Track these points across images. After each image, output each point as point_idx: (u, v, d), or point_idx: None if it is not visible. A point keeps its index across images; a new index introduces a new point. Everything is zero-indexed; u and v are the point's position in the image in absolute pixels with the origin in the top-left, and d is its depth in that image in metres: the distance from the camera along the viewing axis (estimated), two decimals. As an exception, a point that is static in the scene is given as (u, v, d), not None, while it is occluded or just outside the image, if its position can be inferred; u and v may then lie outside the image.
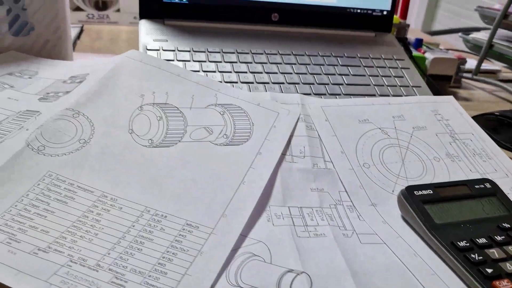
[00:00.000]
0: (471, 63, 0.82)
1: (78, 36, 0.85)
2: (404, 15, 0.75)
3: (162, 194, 0.35)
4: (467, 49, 0.97)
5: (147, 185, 0.36)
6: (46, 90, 0.47)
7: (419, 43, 0.75)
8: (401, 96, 0.53)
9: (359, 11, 0.61)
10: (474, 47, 0.86)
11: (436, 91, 0.60)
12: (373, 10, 0.62)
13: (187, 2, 0.57)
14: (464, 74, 0.77)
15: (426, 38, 1.06)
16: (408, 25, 0.77)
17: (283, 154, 0.41)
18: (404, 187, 0.38)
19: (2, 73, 0.50)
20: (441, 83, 0.70)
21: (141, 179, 0.36)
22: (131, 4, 0.99)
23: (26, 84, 0.48)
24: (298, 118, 0.45)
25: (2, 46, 0.55)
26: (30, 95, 0.46)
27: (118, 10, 0.99)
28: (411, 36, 0.79)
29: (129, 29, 0.97)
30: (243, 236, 0.33)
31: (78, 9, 0.94)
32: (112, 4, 0.98)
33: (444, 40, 1.15)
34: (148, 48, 0.51)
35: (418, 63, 0.65)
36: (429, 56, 0.69)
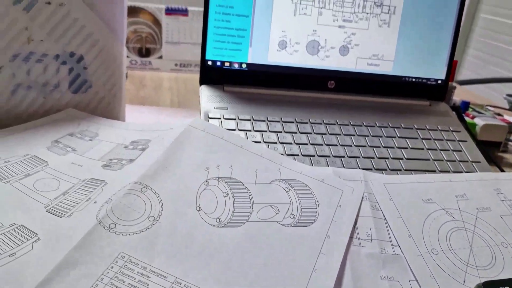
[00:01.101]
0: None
1: (123, 84, 0.87)
2: (451, 77, 0.75)
3: (236, 282, 0.34)
4: (507, 106, 0.96)
5: (220, 271, 0.35)
6: (108, 156, 0.47)
7: (466, 106, 0.75)
8: (461, 172, 0.52)
9: (414, 79, 0.62)
10: (519, 109, 0.85)
11: (489, 158, 0.59)
12: (428, 79, 0.62)
13: (246, 69, 0.58)
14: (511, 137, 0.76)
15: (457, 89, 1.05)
16: (455, 87, 0.76)
17: (350, 237, 0.40)
18: (475, 277, 0.37)
19: (63, 133, 0.51)
20: (490, 149, 0.69)
21: (213, 264, 0.35)
22: (173, 52, 1.01)
23: (88, 147, 0.49)
24: (362, 197, 0.44)
25: (60, 103, 0.56)
26: (93, 160, 0.46)
27: (160, 57, 1.01)
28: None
29: (170, 76, 0.98)
30: (320, 333, 0.32)
31: (122, 55, 0.96)
32: (155, 51, 1.00)
33: (475, 92, 1.14)
34: (210, 116, 0.51)
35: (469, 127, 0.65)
36: (479, 122, 0.69)
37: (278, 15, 0.57)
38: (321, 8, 0.57)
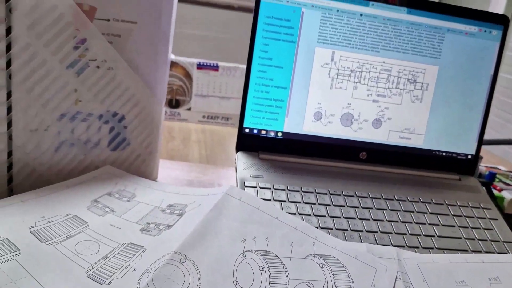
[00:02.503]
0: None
1: (153, 136, 0.89)
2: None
3: None
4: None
5: None
6: (146, 220, 0.48)
7: (493, 177, 0.75)
8: (493, 253, 0.52)
9: (444, 154, 0.63)
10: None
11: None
12: (458, 154, 0.63)
13: (281, 138, 0.59)
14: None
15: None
16: (482, 157, 0.77)
17: (385, 319, 0.40)
18: None
19: (101, 192, 0.52)
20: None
21: None
22: (201, 104, 1.04)
23: (126, 208, 0.50)
24: (396, 277, 0.44)
25: (99, 160, 0.57)
26: (131, 223, 0.48)
27: (189, 109, 1.04)
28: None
29: (198, 128, 1.01)
30: None
31: (153, 106, 0.99)
32: (184, 103, 1.03)
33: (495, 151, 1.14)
34: (246, 184, 0.53)
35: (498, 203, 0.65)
36: (506, 195, 0.69)
37: (315, 88, 0.59)
38: (356, 83, 0.60)
